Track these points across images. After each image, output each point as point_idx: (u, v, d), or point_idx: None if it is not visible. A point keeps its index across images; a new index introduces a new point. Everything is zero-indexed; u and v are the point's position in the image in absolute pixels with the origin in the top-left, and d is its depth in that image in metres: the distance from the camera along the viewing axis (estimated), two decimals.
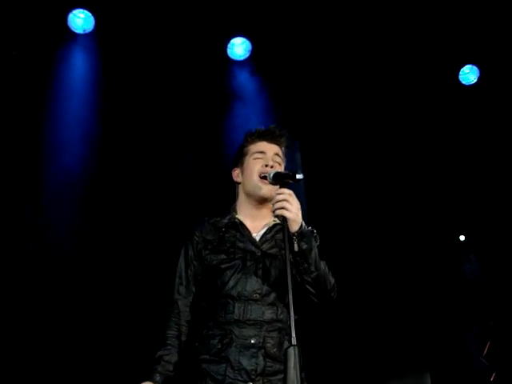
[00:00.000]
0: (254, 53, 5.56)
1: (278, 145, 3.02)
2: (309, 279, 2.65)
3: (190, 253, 2.94)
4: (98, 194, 5.16)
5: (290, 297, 2.36)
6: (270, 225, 2.94)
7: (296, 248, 2.57)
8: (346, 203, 5.65)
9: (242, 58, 5.59)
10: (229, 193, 3.17)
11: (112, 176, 5.23)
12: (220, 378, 2.66)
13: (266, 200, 2.89)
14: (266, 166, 2.90)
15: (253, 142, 3.01)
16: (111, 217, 5.16)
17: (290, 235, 2.55)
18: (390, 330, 5.59)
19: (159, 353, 2.81)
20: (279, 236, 2.89)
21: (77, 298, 4.94)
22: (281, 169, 2.93)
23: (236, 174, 3.05)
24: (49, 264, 4.96)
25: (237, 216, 2.96)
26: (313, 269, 2.64)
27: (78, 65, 5.29)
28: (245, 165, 3.00)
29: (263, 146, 2.99)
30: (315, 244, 2.70)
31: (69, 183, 5.03)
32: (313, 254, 2.64)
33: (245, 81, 5.57)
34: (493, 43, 5.68)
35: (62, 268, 4.96)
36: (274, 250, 2.83)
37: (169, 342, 2.84)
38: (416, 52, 5.72)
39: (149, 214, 5.22)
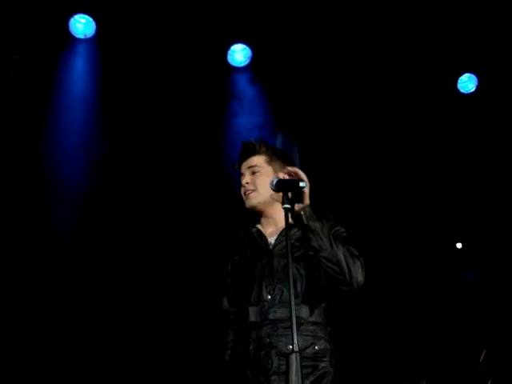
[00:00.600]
0: (254, 59, 5.59)
1: (257, 154, 3.03)
2: (326, 256, 2.65)
3: (226, 273, 3.05)
4: (99, 198, 5.18)
5: (292, 298, 2.39)
6: (283, 227, 2.89)
7: (305, 221, 2.62)
8: (345, 208, 5.65)
9: (243, 65, 5.62)
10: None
11: (113, 179, 5.25)
12: (244, 380, 2.74)
13: (276, 205, 2.88)
14: (246, 183, 2.98)
15: (239, 167, 3.09)
16: (110, 215, 5.21)
17: (297, 213, 2.63)
18: (387, 335, 5.60)
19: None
20: (294, 235, 2.88)
21: (76, 297, 4.98)
22: (260, 177, 2.96)
23: None
24: (49, 262, 4.99)
25: (257, 225, 3.04)
26: (327, 244, 2.64)
27: (79, 69, 5.31)
28: None
29: (243, 166, 3.05)
30: (326, 223, 2.71)
31: (69, 190, 5.05)
32: (325, 230, 2.66)
33: (245, 87, 5.59)
34: (491, 52, 5.70)
35: (61, 266, 5.00)
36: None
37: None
38: (415, 60, 5.74)
39: (147, 215, 5.26)
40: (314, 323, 2.78)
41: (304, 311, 2.76)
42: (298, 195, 2.64)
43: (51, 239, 5.02)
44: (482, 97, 5.93)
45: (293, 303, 2.38)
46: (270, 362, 2.69)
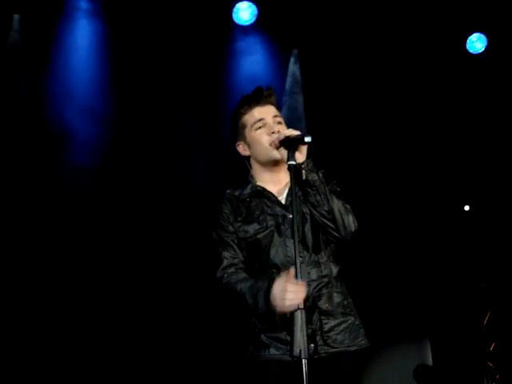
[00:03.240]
0: (260, 17, 5.52)
1: (271, 104, 2.93)
2: (323, 212, 2.66)
3: (225, 224, 2.85)
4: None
5: (297, 253, 2.43)
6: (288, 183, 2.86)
7: (304, 176, 2.61)
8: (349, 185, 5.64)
9: (248, 23, 5.56)
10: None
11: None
12: (282, 344, 2.66)
13: (282, 162, 2.78)
14: (273, 132, 2.82)
15: (246, 111, 2.91)
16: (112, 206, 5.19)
17: (297, 166, 2.58)
18: (392, 295, 5.62)
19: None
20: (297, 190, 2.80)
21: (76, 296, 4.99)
22: (285, 128, 2.85)
23: (242, 148, 2.95)
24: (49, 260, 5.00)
25: (258, 183, 2.92)
26: (325, 200, 2.65)
27: (83, 31, 5.24)
28: (248, 138, 2.90)
29: (258, 112, 2.89)
30: (322, 178, 2.70)
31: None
32: (322, 186, 2.66)
33: (250, 45, 5.55)
34: (501, 10, 5.61)
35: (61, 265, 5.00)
36: (301, 206, 2.78)
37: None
38: (423, 21, 5.66)
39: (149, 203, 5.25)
40: (338, 280, 2.82)
41: (330, 269, 2.79)
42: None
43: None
44: (492, 57, 5.85)
45: (297, 249, 2.44)
46: (311, 323, 2.66)
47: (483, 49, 5.87)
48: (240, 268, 2.80)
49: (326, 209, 2.66)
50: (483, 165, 5.85)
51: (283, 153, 2.62)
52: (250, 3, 5.49)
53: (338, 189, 2.84)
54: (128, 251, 5.11)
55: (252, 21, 5.54)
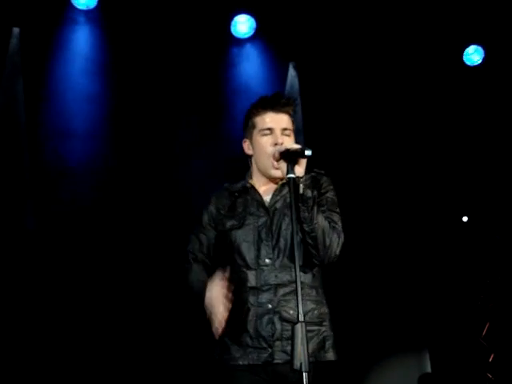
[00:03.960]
0: (259, 30, 5.56)
1: (286, 113, 2.93)
2: (307, 229, 2.67)
3: (205, 218, 2.93)
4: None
5: (297, 262, 2.40)
6: (280, 183, 2.90)
7: (301, 190, 2.62)
8: (349, 186, 5.66)
9: (246, 36, 5.59)
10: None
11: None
12: (242, 347, 2.68)
13: (276, 177, 2.86)
14: (276, 144, 2.82)
15: (259, 113, 2.91)
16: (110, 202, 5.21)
17: (296, 179, 2.58)
18: (391, 306, 5.61)
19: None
20: (286, 193, 2.85)
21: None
22: (291, 141, 2.87)
23: (247, 146, 2.98)
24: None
25: (250, 181, 2.96)
26: (310, 219, 2.66)
27: (81, 41, 5.28)
28: (254, 140, 2.92)
29: (270, 119, 2.88)
30: (316, 194, 2.73)
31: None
32: (313, 205, 2.67)
33: (249, 58, 5.57)
34: (497, 23, 5.64)
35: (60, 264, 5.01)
36: (284, 210, 2.81)
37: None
38: (420, 33, 5.69)
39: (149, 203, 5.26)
40: (312, 287, 2.79)
41: (303, 275, 2.74)
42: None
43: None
44: (488, 69, 5.87)
45: (297, 270, 2.39)
46: (272, 327, 2.67)
47: (480, 61, 5.89)
48: (201, 261, 2.87)
49: (311, 227, 2.67)
50: (481, 174, 5.86)
51: (282, 165, 2.63)
52: (248, 16, 5.52)
53: (333, 197, 2.85)
54: (122, 250, 5.12)
55: (250, 34, 5.57)
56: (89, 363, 4.87)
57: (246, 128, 2.98)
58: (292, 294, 2.69)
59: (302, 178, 2.63)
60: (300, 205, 2.64)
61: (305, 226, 2.66)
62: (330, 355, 2.74)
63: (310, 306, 2.73)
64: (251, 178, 2.98)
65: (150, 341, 5.03)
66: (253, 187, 2.92)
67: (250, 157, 3.00)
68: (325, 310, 2.80)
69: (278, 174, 2.77)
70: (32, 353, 4.79)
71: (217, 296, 2.60)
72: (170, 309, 5.03)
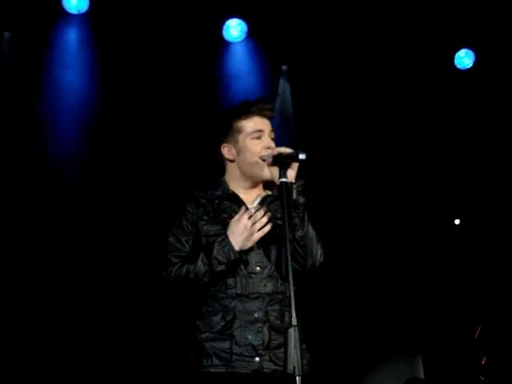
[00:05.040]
0: (250, 34, 5.55)
1: (268, 118, 2.89)
2: (296, 236, 2.65)
3: (185, 223, 2.80)
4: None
5: (290, 268, 2.37)
6: (263, 196, 2.87)
7: (295, 196, 2.60)
8: (342, 187, 5.67)
9: (238, 40, 5.59)
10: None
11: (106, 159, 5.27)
12: (226, 355, 2.62)
13: (266, 181, 2.82)
14: (268, 148, 2.77)
15: (245, 117, 2.84)
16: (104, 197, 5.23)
17: (289, 184, 2.55)
18: (383, 310, 5.62)
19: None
20: (273, 206, 2.82)
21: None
22: (274, 145, 2.83)
23: (227, 151, 2.88)
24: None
25: (230, 188, 2.87)
26: (301, 226, 2.65)
27: (72, 45, 5.27)
28: (240, 144, 2.83)
29: (257, 122, 2.84)
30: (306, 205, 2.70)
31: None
32: (304, 211, 2.66)
33: (240, 62, 5.56)
34: (489, 27, 5.66)
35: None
36: (271, 219, 2.73)
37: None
38: (411, 36, 5.70)
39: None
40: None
41: (286, 286, 2.68)
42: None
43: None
44: (479, 73, 5.88)
45: (291, 277, 2.36)
46: (261, 336, 2.64)
47: (471, 64, 5.91)
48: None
49: (301, 234, 2.66)
50: (474, 177, 5.88)
51: (273, 169, 2.62)
52: (239, 20, 5.52)
53: None
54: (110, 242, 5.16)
55: (242, 38, 5.57)
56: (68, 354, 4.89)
57: (227, 131, 2.88)
58: (277, 305, 2.69)
59: (295, 183, 2.61)
60: (292, 211, 2.61)
61: (294, 232, 2.64)
62: (307, 368, 2.68)
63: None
64: (228, 185, 2.89)
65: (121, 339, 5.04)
66: (236, 195, 2.85)
67: (229, 162, 2.90)
68: (299, 324, 2.70)
69: (268, 175, 2.72)
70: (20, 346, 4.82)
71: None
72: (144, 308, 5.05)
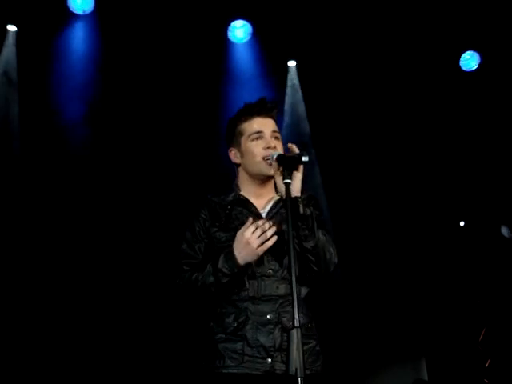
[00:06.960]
0: (255, 35, 5.56)
1: (271, 118, 2.91)
2: (308, 246, 2.66)
3: (198, 229, 2.85)
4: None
5: (293, 272, 2.36)
6: (275, 200, 2.89)
7: (301, 210, 2.60)
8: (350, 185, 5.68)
9: (243, 41, 5.60)
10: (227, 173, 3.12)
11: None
12: (238, 356, 2.64)
13: (271, 177, 2.82)
14: (269, 147, 2.80)
15: (246, 119, 2.89)
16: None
17: (294, 199, 2.57)
18: (387, 314, 5.62)
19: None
20: (284, 211, 2.79)
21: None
22: (280, 145, 2.86)
23: (234, 155, 2.93)
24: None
25: (241, 193, 2.90)
26: (312, 237, 2.65)
27: (78, 45, 5.28)
28: (243, 147, 2.88)
29: (258, 123, 2.87)
30: (313, 211, 2.70)
31: None
32: (312, 222, 2.65)
33: (245, 63, 5.56)
34: (494, 29, 5.65)
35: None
36: (282, 225, 2.75)
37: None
38: (417, 38, 5.69)
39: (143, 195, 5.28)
40: (305, 301, 2.80)
41: (298, 289, 2.70)
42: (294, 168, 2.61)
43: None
44: (485, 75, 5.88)
45: (293, 278, 2.36)
46: (274, 338, 2.65)
47: (476, 66, 5.90)
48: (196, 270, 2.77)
49: (312, 244, 2.66)
50: (479, 179, 5.87)
51: (278, 172, 2.62)
52: (244, 21, 5.52)
53: (321, 217, 2.85)
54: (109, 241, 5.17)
55: (247, 39, 5.57)
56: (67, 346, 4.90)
57: (232, 137, 2.93)
58: (289, 307, 2.67)
59: (300, 198, 2.62)
60: (300, 224, 2.62)
61: (305, 243, 2.65)
62: (322, 368, 2.75)
63: (303, 319, 2.65)
64: (240, 189, 2.92)
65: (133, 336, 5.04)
66: (247, 200, 2.87)
67: (237, 166, 2.95)
68: (314, 324, 2.80)
69: (271, 172, 2.72)
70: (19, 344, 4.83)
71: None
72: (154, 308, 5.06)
